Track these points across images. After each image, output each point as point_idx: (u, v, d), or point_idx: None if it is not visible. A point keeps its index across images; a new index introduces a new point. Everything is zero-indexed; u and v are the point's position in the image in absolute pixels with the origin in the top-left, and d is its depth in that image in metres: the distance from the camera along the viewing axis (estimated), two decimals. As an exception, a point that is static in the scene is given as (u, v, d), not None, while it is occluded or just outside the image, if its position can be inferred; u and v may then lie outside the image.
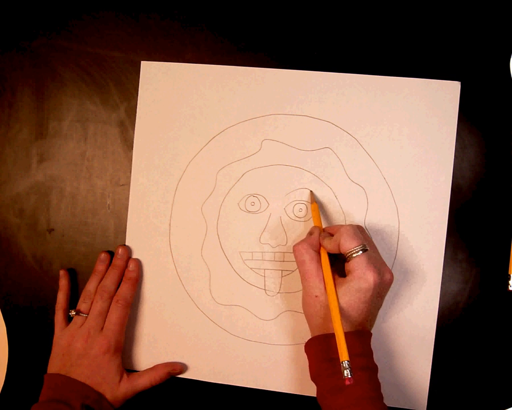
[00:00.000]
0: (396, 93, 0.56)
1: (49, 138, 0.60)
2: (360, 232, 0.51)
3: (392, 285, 0.51)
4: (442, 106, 0.56)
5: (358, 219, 0.57)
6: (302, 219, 0.57)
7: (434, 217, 0.56)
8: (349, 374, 0.45)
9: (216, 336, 0.59)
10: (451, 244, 0.56)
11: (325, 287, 0.50)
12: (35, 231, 0.61)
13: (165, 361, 0.59)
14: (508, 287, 0.56)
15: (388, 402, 0.50)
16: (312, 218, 0.56)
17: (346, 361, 0.45)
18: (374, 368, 0.50)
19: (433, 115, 0.56)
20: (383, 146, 0.57)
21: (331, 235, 0.52)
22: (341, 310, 0.48)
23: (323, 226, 0.55)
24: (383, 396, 0.49)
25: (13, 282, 0.61)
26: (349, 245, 0.49)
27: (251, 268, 0.58)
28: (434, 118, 0.56)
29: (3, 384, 0.61)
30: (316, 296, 0.50)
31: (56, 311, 0.58)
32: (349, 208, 0.57)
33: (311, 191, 0.57)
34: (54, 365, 0.56)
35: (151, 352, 0.59)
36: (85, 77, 0.60)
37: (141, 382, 0.57)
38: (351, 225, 0.51)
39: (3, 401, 0.61)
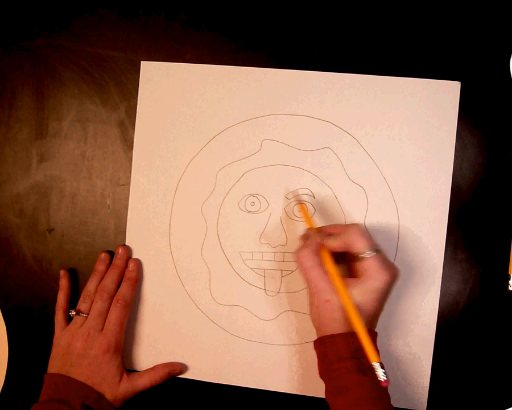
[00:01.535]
0: (396, 93, 0.56)
1: (49, 138, 0.60)
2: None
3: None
4: (442, 106, 0.56)
5: (358, 219, 0.57)
6: (303, 219, 0.57)
7: (434, 217, 0.56)
8: (384, 376, 0.44)
9: (216, 336, 0.59)
10: (451, 244, 0.56)
11: (335, 290, 0.49)
12: (35, 231, 0.61)
13: (165, 361, 0.59)
14: (508, 287, 0.56)
15: (388, 402, 0.50)
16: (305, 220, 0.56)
17: (376, 363, 0.45)
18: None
19: (433, 115, 0.56)
20: (383, 146, 0.57)
21: (330, 234, 0.52)
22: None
23: (316, 227, 0.55)
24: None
25: (13, 282, 0.61)
26: (361, 244, 0.49)
27: (251, 268, 0.58)
28: (434, 118, 0.56)
29: (3, 384, 0.61)
30: (327, 301, 0.49)
31: (56, 311, 0.58)
32: (349, 208, 0.57)
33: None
34: (54, 365, 0.56)
35: (151, 352, 0.59)
36: (85, 77, 0.60)
37: (141, 382, 0.57)
38: (359, 224, 0.51)
39: (3, 401, 0.61)
